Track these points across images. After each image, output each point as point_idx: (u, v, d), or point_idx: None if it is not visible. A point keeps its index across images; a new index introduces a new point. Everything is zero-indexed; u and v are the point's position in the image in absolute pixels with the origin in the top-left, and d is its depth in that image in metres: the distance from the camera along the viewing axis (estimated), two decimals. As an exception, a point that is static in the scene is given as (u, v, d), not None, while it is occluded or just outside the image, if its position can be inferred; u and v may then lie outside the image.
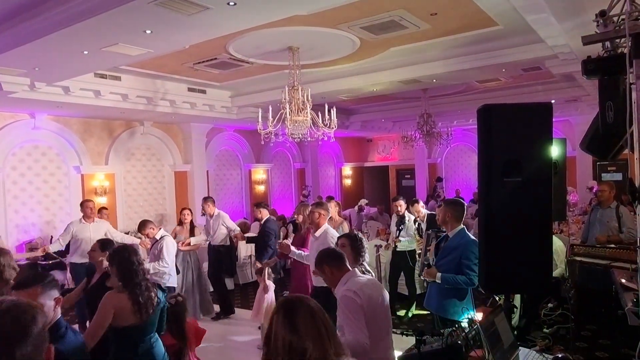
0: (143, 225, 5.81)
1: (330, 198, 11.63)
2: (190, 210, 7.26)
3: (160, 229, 6.03)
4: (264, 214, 6.44)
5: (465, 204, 4.41)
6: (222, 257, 7.11)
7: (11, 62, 5.42)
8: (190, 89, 8.71)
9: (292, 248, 4.84)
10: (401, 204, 6.59)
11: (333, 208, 6.69)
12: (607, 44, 2.59)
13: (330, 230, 4.78)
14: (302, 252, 4.87)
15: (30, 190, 8.70)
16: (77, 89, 7.14)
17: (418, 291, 6.77)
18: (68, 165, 9.21)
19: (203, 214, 7.40)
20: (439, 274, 3.83)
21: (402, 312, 6.74)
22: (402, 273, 6.80)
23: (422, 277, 4.18)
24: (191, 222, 7.05)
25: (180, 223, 7.08)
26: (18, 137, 8.50)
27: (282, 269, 8.79)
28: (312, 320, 1.76)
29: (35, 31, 4.57)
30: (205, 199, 7.25)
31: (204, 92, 8.98)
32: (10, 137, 8.38)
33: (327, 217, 4.88)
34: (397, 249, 6.69)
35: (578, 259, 5.13)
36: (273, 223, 6.48)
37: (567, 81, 8.92)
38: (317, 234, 4.73)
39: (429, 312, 4.89)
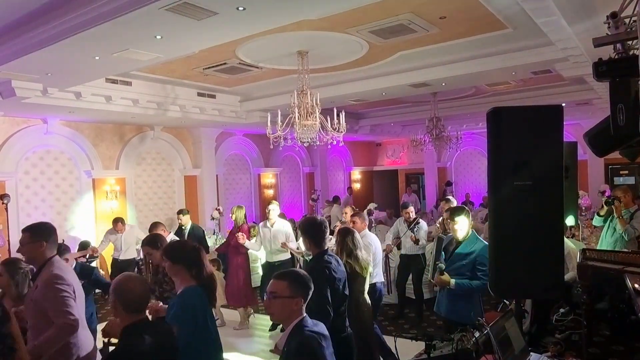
0: (155, 226, 5.88)
1: (336, 198, 11.75)
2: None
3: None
4: (186, 220, 7.29)
5: (474, 209, 4.38)
6: None
7: (24, 68, 5.50)
8: (199, 94, 8.77)
9: (246, 240, 6.29)
10: (412, 210, 6.63)
11: (348, 213, 6.71)
12: (619, 45, 2.56)
13: (285, 222, 6.69)
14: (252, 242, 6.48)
15: (42, 194, 8.80)
16: (88, 95, 7.22)
17: (426, 296, 6.72)
18: (79, 170, 9.31)
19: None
20: (452, 281, 3.81)
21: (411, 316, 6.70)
22: (410, 277, 6.77)
23: (432, 281, 4.15)
24: None
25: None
26: (31, 142, 8.61)
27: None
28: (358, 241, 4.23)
29: (47, 37, 4.63)
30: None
31: (213, 96, 9.02)
32: (23, 142, 8.49)
33: (277, 212, 6.56)
34: (406, 253, 6.67)
35: (590, 263, 5.06)
36: (197, 227, 7.78)
37: (578, 84, 8.84)
38: (274, 226, 6.42)
39: (437, 317, 4.87)
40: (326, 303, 3.17)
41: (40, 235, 3.08)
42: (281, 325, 4.82)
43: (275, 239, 6.31)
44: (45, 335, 2.82)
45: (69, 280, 3.01)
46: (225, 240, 7.55)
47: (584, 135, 2.88)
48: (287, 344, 2.28)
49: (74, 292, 3.02)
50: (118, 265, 7.40)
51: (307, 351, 2.20)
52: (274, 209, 6.42)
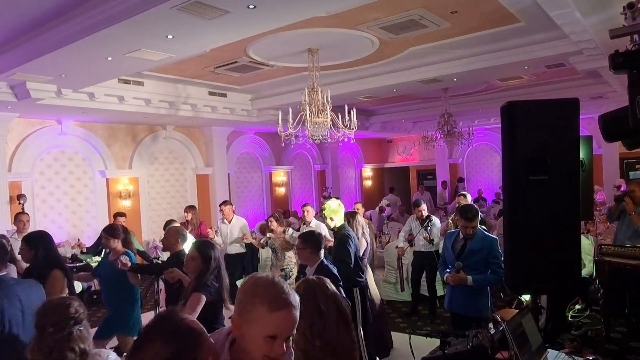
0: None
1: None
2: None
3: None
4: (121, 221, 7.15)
5: (487, 205, 4.35)
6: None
7: (39, 70, 5.57)
8: (211, 93, 8.81)
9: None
10: (424, 208, 6.61)
11: (360, 209, 6.80)
12: (636, 37, 2.52)
13: (240, 219, 7.46)
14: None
15: (57, 194, 8.91)
16: (101, 95, 7.30)
17: (440, 293, 6.68)
18: (93, 170, 9.41)
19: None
20: (469, 277, 3.84)
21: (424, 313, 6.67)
22: (424, 274, 6.74)
23: (446, 281, 4.13)
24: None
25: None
26: (45, 142, 8.72)
27: None
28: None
29: (61, 39, 4.68)
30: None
31: (224, 95, 9.06)
32: (38, 143, 8.61)
33: (231, 209, 7.42)
34: (419, 250, 6.64)
35: (607, 259, 4.99)
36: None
37: (592, 78, 8.73)
38: (232, 222, 7.27)
39: (449, 314, 4.85)
40: (347, 255, 4.42)
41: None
42: None
43: (232, 233, 7.17)
44: None
45: None
46: None
47: (599, 117, 2.82)
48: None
49: None
50: None
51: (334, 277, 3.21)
52: (227, 207, 7.37)
